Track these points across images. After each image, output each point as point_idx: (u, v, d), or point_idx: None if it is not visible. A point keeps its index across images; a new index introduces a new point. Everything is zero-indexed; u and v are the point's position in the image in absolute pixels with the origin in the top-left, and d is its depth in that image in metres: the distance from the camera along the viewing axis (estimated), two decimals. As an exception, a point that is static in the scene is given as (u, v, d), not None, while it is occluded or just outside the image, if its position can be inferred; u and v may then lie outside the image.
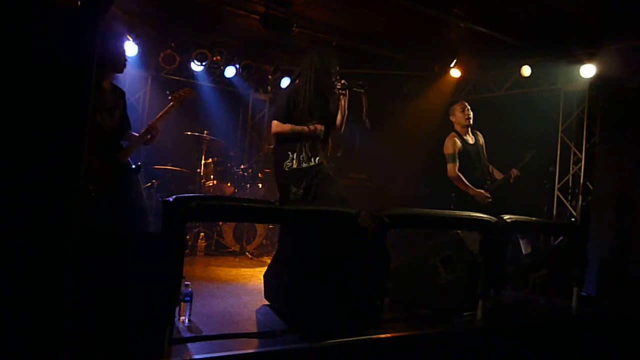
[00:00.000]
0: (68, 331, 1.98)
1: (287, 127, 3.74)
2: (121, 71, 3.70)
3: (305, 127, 3.73)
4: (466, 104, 5.06)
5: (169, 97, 3.97)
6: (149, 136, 3.77)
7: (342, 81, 3.87)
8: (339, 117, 3.92)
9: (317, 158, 3.80)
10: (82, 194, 2.04)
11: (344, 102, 3.89)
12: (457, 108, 5.05)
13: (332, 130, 3.98)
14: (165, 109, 3.90)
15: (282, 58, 7.19)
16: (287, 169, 3.76)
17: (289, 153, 3.76)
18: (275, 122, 3.79)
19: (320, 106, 3.85)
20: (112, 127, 3.64)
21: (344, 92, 3.87)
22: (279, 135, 3.80)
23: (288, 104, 3.78)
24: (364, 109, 4.02)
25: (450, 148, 4.95)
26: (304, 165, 3.75)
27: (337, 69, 3.91)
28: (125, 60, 3.72)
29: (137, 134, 3.82)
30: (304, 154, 3.75)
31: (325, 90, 3.88)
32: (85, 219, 3.20)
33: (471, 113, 5.02)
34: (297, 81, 3.91)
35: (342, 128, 3.97)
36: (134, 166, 3.74)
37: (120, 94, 3.78)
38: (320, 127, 3.78)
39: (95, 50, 2.08)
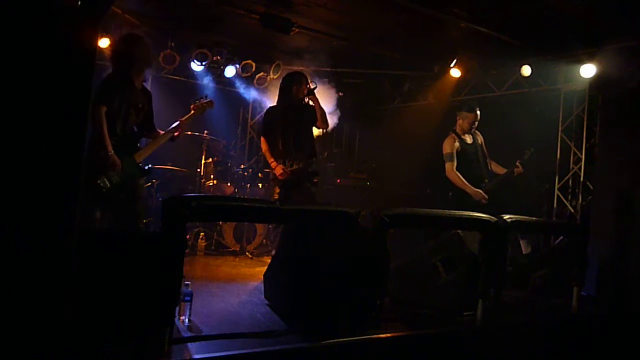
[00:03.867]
0: (68, 331, 1.98)
1: (264, 149, 4.74)
2: (150, 67, 4.06)
3: (271, 159, 4.64)
4: (479, 115, 5.11)
5: (191, 106, 4.26)
6: (176, 133, 4.04)
7: (307, 88, 4.63)
8: (318, 116, 4.65)
9: (297, 162, 4.58)
10: (82, 195, 2.03)
11: (314, 102, 4.65)
12: (470, 117, 5.09)
13: (310, 134, 4.74)
14: (187, 116, 4.17)
15: (282, 58, 7.19)
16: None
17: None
18: (262, 139, 4.80)
19: (293, 117, 4.64)
20: (137, 125, 3.84)
21: (310, 96, 4.63)
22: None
23: (265, 123, 4.80)
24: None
25: (448, 147, 5.01)
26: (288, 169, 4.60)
27: (303, 82, 4.69)
28: (150, 61, 3.99)
29: (162, 131, 4.04)
30: (285, 160, 4.60)
31: (295, 103, 4.66)
32: (88, 210, 3.33)
33: (477, 122, 5.11)
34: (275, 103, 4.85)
35: (327, 123, 4.76)
36: (146, 167, 3.89)
37: (148, 95, 3.96)
38: (281, 172, 4.57)
39: (95, 50, 2.08)
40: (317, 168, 4.85)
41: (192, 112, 4.20)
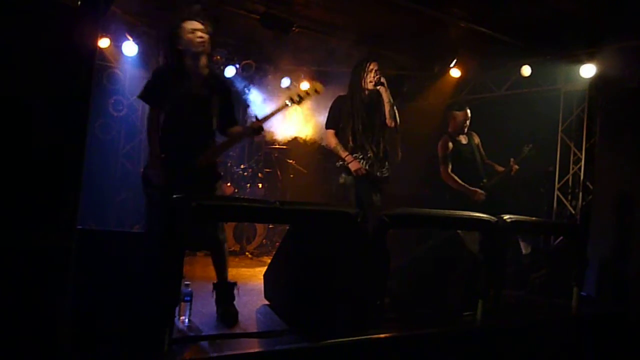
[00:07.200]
0: (68, 331, 1.98)
1: (333, 143, 4.17)
2: (198, 49, 3.24)
3: (345, 153, 4.10)
4: (469, 113, 5.11)
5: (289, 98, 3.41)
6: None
7: (377, 76, 4.08)
8: (386, 111, 4.12)
9: (368, 164, 4.14)
10: (80, 194, 2.03)
11: (384, 94, 4.09)
12: (460, 116, 5.10)
13: (385, 131, 4.23)
14: (278, 107, 3.37)
15: (282, 58, 7.18)
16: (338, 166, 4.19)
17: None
18: (327, 131, 4.25)
19: (364, 110, 4.14)
20: (201, 122, 3.17)
21: (379, 86, 4.07)
22: (327, 144, 4.30)
23: (332, 114, 4.23)
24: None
25: (441, 150, 5.03)
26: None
27: (372, 69, 4.11)
28: (196, 41, 3.26)
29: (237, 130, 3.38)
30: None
31: (365, 94, 4.16)
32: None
33: (469, 121, 5.10)
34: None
35: (396, 120, 4.18)
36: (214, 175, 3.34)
37: (219, 82, 3.33)
38: (358, 168, 4.07)
39: (95, 50, 2.08)
40: (388, 174, 4.31)
41: (287, 104, 3.37)
